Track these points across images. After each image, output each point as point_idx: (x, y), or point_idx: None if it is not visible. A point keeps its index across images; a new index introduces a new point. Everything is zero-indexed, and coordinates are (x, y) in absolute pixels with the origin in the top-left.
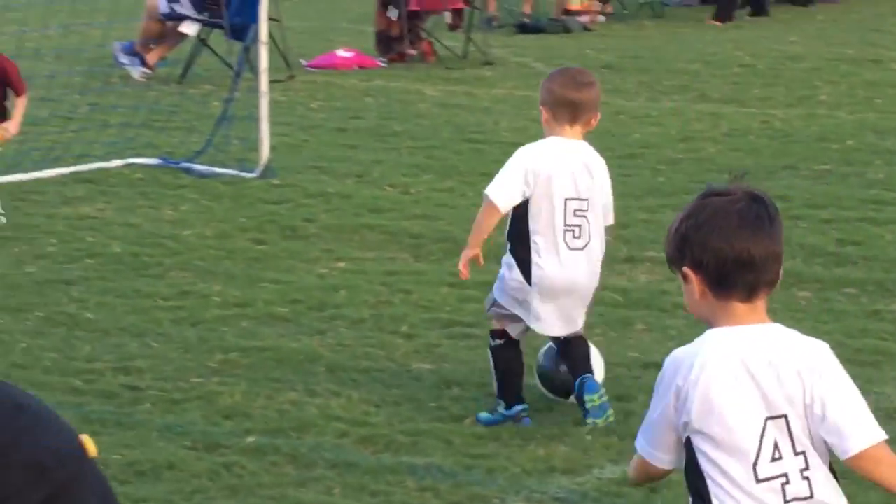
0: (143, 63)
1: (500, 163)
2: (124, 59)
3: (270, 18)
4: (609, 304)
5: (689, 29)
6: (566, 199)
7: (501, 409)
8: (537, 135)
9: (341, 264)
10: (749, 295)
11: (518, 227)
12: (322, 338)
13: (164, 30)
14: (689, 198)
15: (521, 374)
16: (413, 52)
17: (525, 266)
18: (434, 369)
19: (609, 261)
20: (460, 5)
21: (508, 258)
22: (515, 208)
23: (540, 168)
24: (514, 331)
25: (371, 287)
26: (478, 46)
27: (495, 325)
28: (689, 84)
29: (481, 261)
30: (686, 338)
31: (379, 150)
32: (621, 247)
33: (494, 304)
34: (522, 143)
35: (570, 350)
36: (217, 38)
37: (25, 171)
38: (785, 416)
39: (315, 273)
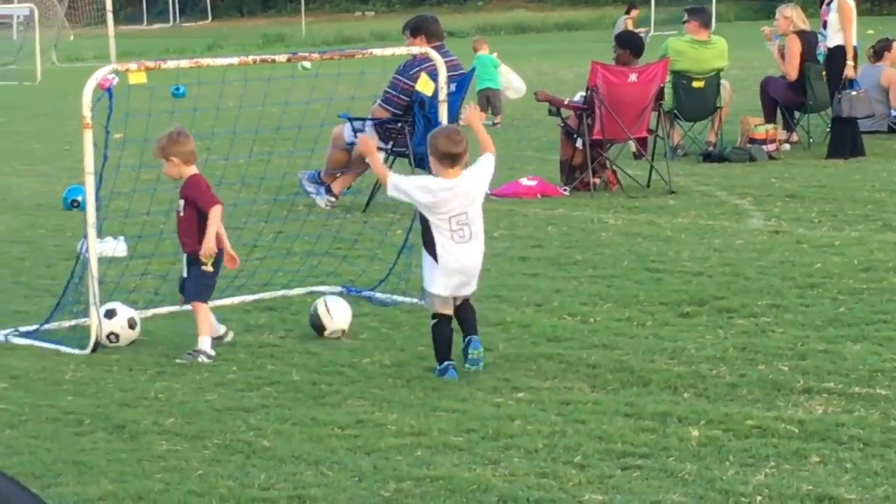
0: (329, 191)
1: (679, 292)
2: (310, 188)
3: None
4: (783, 435)
5: (875, 157)
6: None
7: (438, 369)
8: (719, 264)
9: (519, 394)
10: None
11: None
12: (495, 468)
13: (350, 159)
14: (870, 329)
15: (451, 341)
16: (597, 180)
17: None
18: (606, 500)
19: (786, 392)
20: (644, 134)
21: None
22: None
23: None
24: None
25: (546, 417)
26: (661, 175)
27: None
28: (873, 213)
29: None
30: (862, 471)
31: (559, 279)
32: (798, 377)
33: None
34: (703, 273)
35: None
36: (401, 167)
37: (211, 298)
38: None
39: (491, 402)
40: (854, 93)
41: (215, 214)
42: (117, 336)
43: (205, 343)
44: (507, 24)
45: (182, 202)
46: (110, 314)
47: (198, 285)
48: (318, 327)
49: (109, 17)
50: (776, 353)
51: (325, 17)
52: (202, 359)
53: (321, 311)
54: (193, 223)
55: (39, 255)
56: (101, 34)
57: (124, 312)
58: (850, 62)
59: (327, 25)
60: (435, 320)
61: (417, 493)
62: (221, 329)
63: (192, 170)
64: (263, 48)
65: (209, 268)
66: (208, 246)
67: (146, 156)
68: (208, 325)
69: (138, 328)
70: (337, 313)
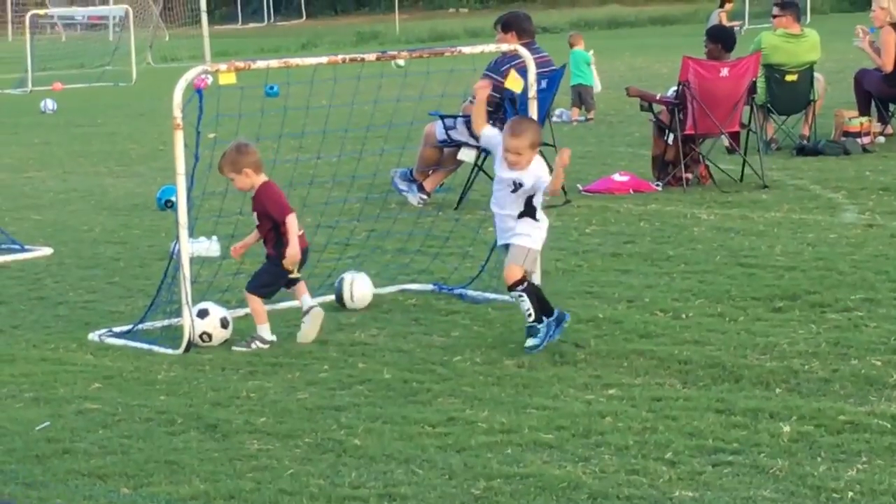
0: (421, 189)
1: (772, 287)
2: (402, 186)
3: (545, 144)
4: (876, 431)
5: None
6: None
7: (541, 328)
8: (812, 258)
9: (610, 391)
10: None
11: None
12: (586, 465)
13: (442, 156)
14: None
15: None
16: (689, 175)
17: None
18: (696, 497)
19: (879, 386)
20: (737, 128)
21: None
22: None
23: None
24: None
25: (637, 413)
26: (754, 169)
27: (521, 275)
28: None
29: None
30: None
31: (651, 275)
32: (892, 372)
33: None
34: (796, 267)
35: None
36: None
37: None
38: None
39: (582, 399)
40: None
41: (292, 223)
42: (210, 336)
43: (262, 330)
44: (600, 20)
45: (255, 215)
46: (203, 314)
47: (261, 278)
48: (339, 300)
49: (204, 17)
50: (869, 347)
51: (419, 14)
52: (257, 344)
53: (345, 289)
54: (271, 233)
55: (133, 256)
56: (196, 34)
57: (217, 312)
58: None
59: (421, 23)
60: (525, 284)
61: (507, 491)
62: (314, 329)
63: (262, 178)
64: (357, 46)
65: (296, 274)
66: (291, 254)
67: None
68: (262, 313)
69: (231, 328)
70: (358, 299)
